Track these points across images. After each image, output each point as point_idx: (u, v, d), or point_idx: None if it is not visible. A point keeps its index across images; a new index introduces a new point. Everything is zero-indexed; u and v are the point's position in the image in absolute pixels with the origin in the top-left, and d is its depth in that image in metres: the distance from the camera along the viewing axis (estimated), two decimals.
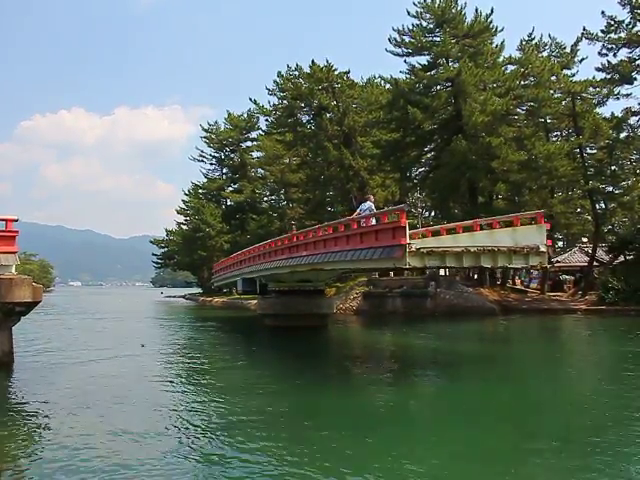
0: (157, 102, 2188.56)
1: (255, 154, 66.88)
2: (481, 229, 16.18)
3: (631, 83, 36.81)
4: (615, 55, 36.71)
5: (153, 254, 79.17)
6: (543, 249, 14.84)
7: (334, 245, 17.70)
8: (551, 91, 40.19)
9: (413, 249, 13.56)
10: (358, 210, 18.01)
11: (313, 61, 45.46)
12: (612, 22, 35.87)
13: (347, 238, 16.86)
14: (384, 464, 7.17)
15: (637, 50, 35.82)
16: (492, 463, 7.40)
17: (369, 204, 17.81)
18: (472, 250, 14.33)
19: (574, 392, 12.44)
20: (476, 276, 44.15)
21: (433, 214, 55.37)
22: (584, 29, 37.92)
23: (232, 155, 69.43)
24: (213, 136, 68.73)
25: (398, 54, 41.44)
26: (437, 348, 21.21)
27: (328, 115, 47.08)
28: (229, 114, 68.34)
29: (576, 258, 45.27)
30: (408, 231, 13.71)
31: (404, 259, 13.47)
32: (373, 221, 16.49)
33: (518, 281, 49.98)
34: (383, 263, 15.78)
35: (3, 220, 14.80)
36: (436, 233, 16.80)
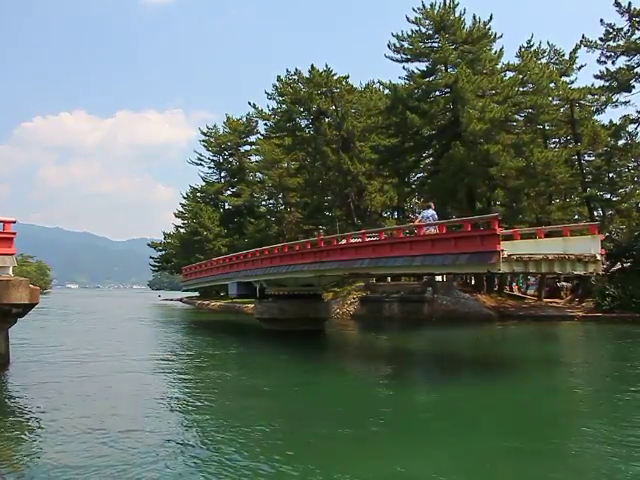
0: (159, 106, 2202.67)
1: (254, 158, 66.84)
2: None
3: (629, 91, 36.91)
4: (614, 63, 36.82)
5: (151, 257, 78.94)
6: (599, 257, 16.14)
7: (389, 251, 18.01)
8: (549, 98, 40.30)
9: (505, 255, 14.27)
10: (420, 217, 18.62)
11: (312, 66, 45.62)
12: (611, 30, 35.98)
13: (410, 244, 17.28)
14: (381, 466, 7.19)
15: (636, 58, 35.93)
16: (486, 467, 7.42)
17: (432, 212, 18.43)
18: (550, 257, 15.44)
19: (567, 395, 12.44)
20: (473, 282, 44.15)
21: None
22: (583, 36, 38.04)
23: (231, 159, 69.44)
24: (212, 140, 68.76)
25: (397, 60, 41.53)
26: (432, 353, 21.29)
27: (327, 120, 47.18)
28: (228, 118, 68.44)
29: None
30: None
31: (498, 265, 14.17)
32: (432, 229, 17.09)
33: (515, 287, 49.97)
34: (470, 268, 16.60)
35: (1, 222, 14.77)
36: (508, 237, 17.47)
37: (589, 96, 40.04)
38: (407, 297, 36.56)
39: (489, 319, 33.97)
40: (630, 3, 34.57)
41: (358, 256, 19.60)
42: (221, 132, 68.88)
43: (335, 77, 46.17)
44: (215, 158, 70.24)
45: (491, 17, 40.09)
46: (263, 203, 66.96)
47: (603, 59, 36.95)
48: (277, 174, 55.82)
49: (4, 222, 14.77)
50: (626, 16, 35.32)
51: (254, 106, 54.84)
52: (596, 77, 38.01)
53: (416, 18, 40.29)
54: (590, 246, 16.16)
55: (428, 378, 15.36)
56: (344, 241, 21.60)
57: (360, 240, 20.24)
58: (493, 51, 40.97)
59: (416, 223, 18.26)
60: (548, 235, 18.41)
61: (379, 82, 45.99)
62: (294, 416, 10.40)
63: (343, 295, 39.99)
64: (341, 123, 45.79)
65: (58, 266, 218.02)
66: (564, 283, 44.23)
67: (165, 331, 30.05)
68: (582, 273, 17.51)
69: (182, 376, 15.03)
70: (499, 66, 40.92)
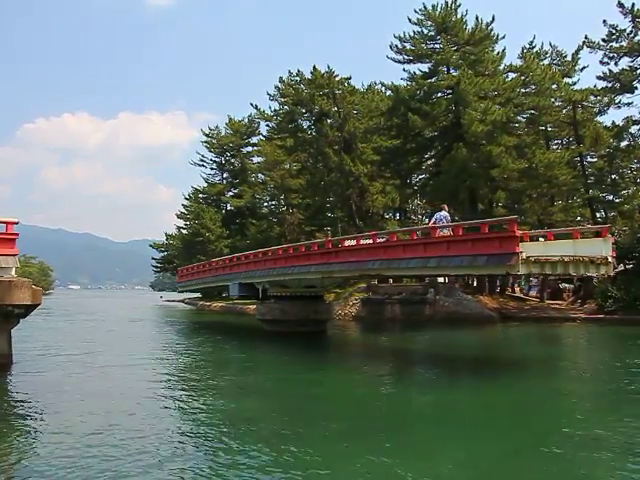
0: (161, 107, 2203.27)
1: (255, 159, 66.92)
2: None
3: (632, 92, 36.88)
4: (616, 64, 36.84)
5: (153, 258, 78.95)
6: (610, 260, 16.37)
7: (402, 252, 18.11)
8: (552, 99, 40.31)
9: (524, 257, 14.39)
10: (433, 219, 18.73)
11: (314, 67, 45.65)
12: (613, 31, 35.96)
13: (425, 245, 17.38)
14: (381, 467, 7.18)
15: (638, 59, 35.93)
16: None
17: (444, 213, 18.60)
18: (565, 259, 15.62)
19: (568, 397, 12.41)
20: (475, 283, 44.12)
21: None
22: (585, 37, 38.06)
23: (232, 160, 69.44)
24: (214, 141, 68.75)
25: (399, 61, 41.62)
26: (434, 354, 21.24)
27: (329, 121, 47.15)
28: (230, 119, 68.48)
29: None
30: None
31: (517, 266, 14.32)
32: (445, 231, 17.18)
33: (517, 289, 49.92)
34: (488, 270, 16.62)
35: (3, 223, 14.81)
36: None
37: (591, 97, 40.00)
38: (409, 298, 36.51)
39: (491, 320, 33.96)
40: (633, 4, 34.61)
41: (369, 257, 19.66)
42: (223, 133, 68.92)
43: (337, 78, 46.17)
44: (217, 159, 70.27)
45: (493, 18, 40.19)
46: (265, 204, 67.08)
47: (606, 60, 36.99)
48: (279, 175, 55.82)
49: (7, 223, 14.81)
50: (629, 17, 35.30)
51: (256, 107, 55.00)
52: (599, 78, 38.05)
53: (418, 19, 40.36)
54: (602, 248, 16.28)
55: (429, 380, 15.33)
56: (354, 242, 21.55)
57: (371, 241, 20.26)
58: (495, 52, 40.98)
59: (430, 225, 18.33)
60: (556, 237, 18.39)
61: (381, 83, 46.14)
62: (293, 418, 10.36)
63: (345, 296, 39.92)
64: (343, 124, 45.79)
65: (60, 267, 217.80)
66: (566, 285, 44.18)
67: (167, 332, 30.06)
68: (594, 275, 17.59)
69: (184, 377, 15.03)
70: (501, 67, 40.92)
